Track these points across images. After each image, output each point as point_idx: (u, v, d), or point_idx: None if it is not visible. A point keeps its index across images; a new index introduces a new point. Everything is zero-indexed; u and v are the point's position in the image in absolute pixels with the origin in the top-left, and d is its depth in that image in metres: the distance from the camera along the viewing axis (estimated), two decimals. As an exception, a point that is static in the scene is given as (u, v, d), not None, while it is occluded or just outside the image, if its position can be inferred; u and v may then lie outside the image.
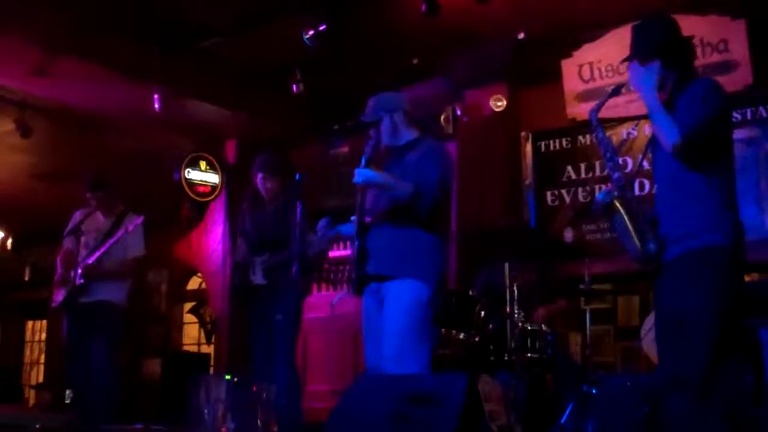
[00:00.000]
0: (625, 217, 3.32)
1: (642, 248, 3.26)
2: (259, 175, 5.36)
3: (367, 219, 4.07)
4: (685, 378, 3.04)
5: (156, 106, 7.02)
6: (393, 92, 4.22)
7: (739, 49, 6.20)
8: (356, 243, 4.01)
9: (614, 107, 6.24)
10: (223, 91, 7.54)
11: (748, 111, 6.34)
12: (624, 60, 3.45)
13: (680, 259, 3.16)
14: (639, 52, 3.36)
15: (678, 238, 3.18)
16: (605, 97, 3.58)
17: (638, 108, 6.39)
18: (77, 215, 5.96)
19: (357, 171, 3.92)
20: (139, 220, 5.73)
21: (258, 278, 5.21)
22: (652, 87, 3.30)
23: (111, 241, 5.70)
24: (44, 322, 12.50)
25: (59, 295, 5.81)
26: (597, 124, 3.49)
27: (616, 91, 3.56)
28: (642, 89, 3.32)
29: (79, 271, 5.66)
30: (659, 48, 3.32)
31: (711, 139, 3.15)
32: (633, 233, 3.29)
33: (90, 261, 5.67)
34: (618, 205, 3.34)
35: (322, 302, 7.27)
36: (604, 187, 6.76)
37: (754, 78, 6.17)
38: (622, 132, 6.69)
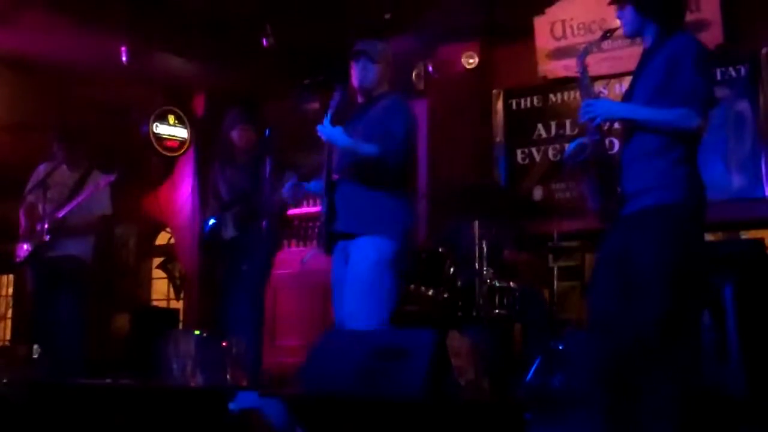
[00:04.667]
0: (595, 171, 3.25)
1: (605, 204, 3.22)
2: (238, 127, 5.34)
3: (335, 176, 4.05)
4: (642, 338, 2.99)
5: (123, 58, 6.91)
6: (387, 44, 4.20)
7: (711, 9, 6.21)
8: (324, 200, 4.00)
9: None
10: (191, 43, 7.41)
11: (718, 71, 6.36)
12: (609, 3, 3.33)
13: (634, 216, 3.12)
14: None
15: (633, 193, 3.14)
16: (596, 41, 3.48)
17: (609, 67, 6.41)
18: (41, 168, 5.87)
19: (320, 128, 3.88)
20: (112, 177, 5.70)
21: (229, 231, 5.19)
22: (621, 108, 3.25)
23: (81, 196, 5.64)
24: (11, 276, 12.37)
25: (24, 250, 5.74)
26: (583, 69, 3.37)
27: (608, 35, 3.43)
28: (615, 116, 3.25)
29: (46, 225, 5.60)
30: None
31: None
32: (600, 188, 3.26)
33: (59, 215, 5.61)
34: (590, 158, 3.26)
35: (292, 258, 7.26)
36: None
37: (725, 37, 6.19)
38: (592, 90, 6.69)
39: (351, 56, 4.07)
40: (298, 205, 4.28)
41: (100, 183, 5.67)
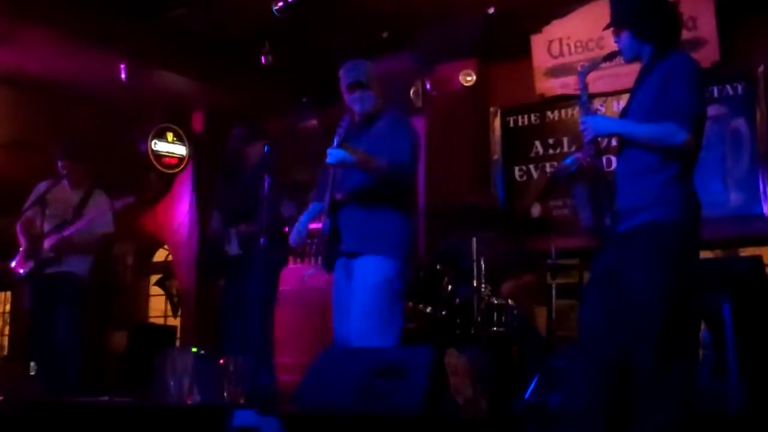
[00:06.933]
0: (587, 187, 3.24)
1: (596, 221, 3.20)
2: (252, 144, 5.37)
3: (338, 195, 4.05)
4: (635, 357, 2.96)
5: (122, 75, 6.93)
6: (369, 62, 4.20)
7: (708, 27, 6.24)
8: (327, 220, 4.01)
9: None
10: (190, 61, 7.45)
11: (715, 89, 6.40)
12: (604, 28, 3.33)
13: (627, 234, 3.08)
14: (612, 21, 3.27)
15: (627, 210, 3.11)
16: (599, 60, 3.43)
17: (607, 84, 6.43)
18: (42, 186, 5.86)
19: (330, 152, 3.89)
20: (130, 199, 5.72)
21: (234, 249, 5.19)
22: (612, 124, 3.29)
23: (89, 215, 5.65)
24: (8, 293, 12.35)
25: (25, 266, 5.72)
26: (583, 87, 3.35)
27: (611, 56, 3.37)
28: (606, 132, 3.26)
29: (51, 243, 5.59)
30: (629, 18, 3.21)
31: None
32: (591, 204, 3.23)
33: (66, 233, 5.61)
34: (583, 173, 3.25)
35: (293, 275, 7.25)
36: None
37: (722, 55, 6.22)
38: (590, 108, 6.72)
39: (345, 88, 4.08)
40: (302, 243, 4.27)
41: (117, 204, 5.69)
